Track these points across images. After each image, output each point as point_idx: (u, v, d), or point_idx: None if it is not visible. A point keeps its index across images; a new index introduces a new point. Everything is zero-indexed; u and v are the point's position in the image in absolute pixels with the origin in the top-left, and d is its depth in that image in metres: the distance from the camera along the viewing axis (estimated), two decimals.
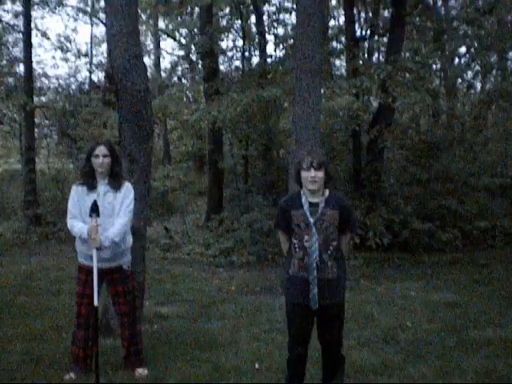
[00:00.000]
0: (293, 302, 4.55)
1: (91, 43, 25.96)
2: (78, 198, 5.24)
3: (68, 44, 25.71)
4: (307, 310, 4.48)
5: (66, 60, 26.31)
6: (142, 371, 5.44)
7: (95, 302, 5.17)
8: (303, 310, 4.51)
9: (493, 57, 19.59)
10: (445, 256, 12.28)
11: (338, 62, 20.40)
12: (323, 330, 4.60)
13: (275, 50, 17.43)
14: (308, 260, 4.41)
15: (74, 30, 40.59)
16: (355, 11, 16.10)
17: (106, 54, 22.04)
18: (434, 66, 18.92)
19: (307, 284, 4.41)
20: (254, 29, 17.70)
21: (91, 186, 5.23)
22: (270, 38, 18.39)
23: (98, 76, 27.23)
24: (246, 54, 17.60)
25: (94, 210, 5.05)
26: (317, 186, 4.44)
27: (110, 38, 6.35)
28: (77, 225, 5.16)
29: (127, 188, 5.31)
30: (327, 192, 4.55)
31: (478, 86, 21.40)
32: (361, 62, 14.85)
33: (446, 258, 12.07)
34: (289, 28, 17.34)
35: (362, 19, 19.19)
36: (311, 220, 4.42)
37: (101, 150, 5.22)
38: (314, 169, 4.41)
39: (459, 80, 18.88)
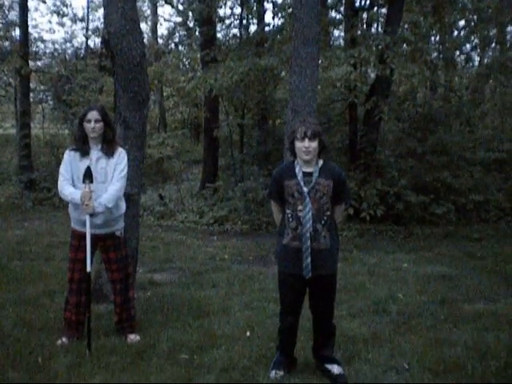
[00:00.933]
0: (285, 271, 4.57)
1: (88, 8, 25.63)
2: (70, 162, 5.22)
3: (64, 8, 25.52)
4: (300, 279, 4.49)
5: (63, 25, 26.13)
6: (133, 337, 5.47)
7: (88, 268, 5.18)
8: (296, 280, 4.52)
9: (492, 30, 19.46)
10: (438, 229, 12.31)
11: (336, 32, 20.23)
12: (315, 299, 4.62)
13: (273, 19, 17.28)
14: (301, 230, 4.41)
15: None
16: None
17: (102, 20, 21.84)
18: (433, 39, 18.81)
19: (300, 254, 4.41)
20: None
21: (84, 152, 5.20)
22: (268, 6, 18.18)
23: (95, 41, 27.01)
24: (244, 22, 17.45)
25: (88, 175, 5.04)
26: (310, 156, 4.42)
27: (106, 2, 6.28)
28: (68, 188, 5.13)
29: (120, 154, 5.29)
30: (321, 162, 4.53)
31: (477, 59, 21.31)
32: (359, 32, 14.70)
33: (439, 231, 12.10)
34: None
35: None
36: (305, 189, 4.41)
37: (93, 114, 5.19)
38: (307, 139, 4.38)
39: (457, 53, 18.76)
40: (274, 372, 4.63)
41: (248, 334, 5.61)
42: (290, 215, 4.47)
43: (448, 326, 5.94)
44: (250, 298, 7.06)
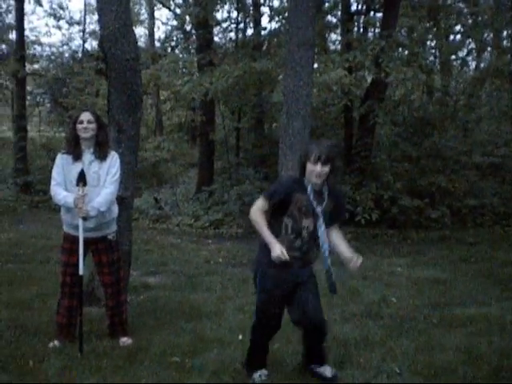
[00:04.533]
0: (275, 275, 4.53)
1: (85, 11, 25.62)
2: (62, 166, 5.21)
3: (61, 11, 25.52)
4: (288, 284, 4.50)
5: (59, 28, 26.12)
6: (126, 340, 5.47)
7: (80, 271, 5.18)
8: (286, 283, 4.52)
9: (488, 35, 19.50)
10: (433, 233, 12.33)
11: (333, 37, 20.28)
12: (305, 297, 4.59)
13: (270, 22, 17.33)
14: (299, 243, 4.41)
15: None
16: None
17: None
18: (429, 43, 18.84)
19: (291, 262, 4.41)
20: (249, 0, 17.56)
21: (76, 156, 5.19)
22: (265, 10, 18.24)
23: (92, 44, 27.00)
24: (241, 25, 17.48)
25: (81, 179, 5.04)
26: (321, 180, 4.35)
27: (100, 6, 6.29)
28: (61, 192, 5.13)
29: (113, 157, 5.29)
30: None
31: (473, 64, 21.35)
32: (354, 36, 14.76)
33: (433, 236, 12.13)
34: (285, 0, 17.19)
35: None
36: (319, 209, 4.38)
37: (86, 115, 5.19)
38: (321, 163, 4.28)
39: (453, 57, 18.79)
40: (257, 374, 4.62)
41: (240, 337, 5.60)
42: (289, 226, 4.40)
43: (440, 331, 5.95)
44: (243, 301, 7.05)
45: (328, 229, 4.50)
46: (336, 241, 4.65)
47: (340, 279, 7.97)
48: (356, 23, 16.79)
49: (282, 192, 4.41)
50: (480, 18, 16.80)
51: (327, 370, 4.64)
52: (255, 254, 4.75)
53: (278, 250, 4.19)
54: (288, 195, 4.38)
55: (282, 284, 4.51)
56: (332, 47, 19.43)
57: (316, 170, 4.28)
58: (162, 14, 62.44)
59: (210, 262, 9.62)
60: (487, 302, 7.16)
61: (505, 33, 19.90)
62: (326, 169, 4.31)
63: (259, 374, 4.61)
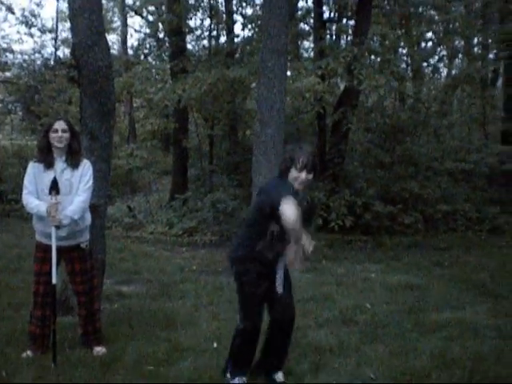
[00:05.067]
0: (259, 272, 4.53)
1: (57, 18, 25.43)
2: (34, 174, 5.17)
3: (33, 19, 25.28)
4: (269, 280, 4.54)
5: (31, 35, 25.79)
6: (99, 349, 5.43)
7: (53, 280, 5.14)
8: (267, 280, 4.55)
9: (459, 42, 19.75)
10: (406, 239, 12.39)
11: (306, 44, 20.38)
12: (282, 295, 4.61)
13: (243, 29, 17.36)
14: (280, 246, 4.43)
15: (39, 4, 39.51)
16: None
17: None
18: (401, 50, 18.99)
19: (274, 263, 4.47)
20: (222, 8, 17.57)
21: (48, 164, 5.16)
22: (238, 18, 18.25)
23: (64, 52, 26.80)
24: (214, 33, 17.49)
25: (54, 187, 5.00)
26: (303, 187, 4.39)
27: (73, 13, 6.26)
28: (33, 201, 5.10)
29: (85, 165, 5.26)
30: None
31: (444, 71, 21.58)
32: (327, 43, 14.83)
33: (407, 241, 12.19)
34: (258, 8, 17.23)
35: (330, 1, 19.12)
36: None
37: (60, 124, 5.16)
38: (306, 171, 4.31)
39: (425, 64, 18.97)
40: (236, 380, 4.62)
41: (215, 345, 5.60)
42: (276, 231, 4.38)
43: (414, 336, 5.99)
44: (217, 309, 7.05)
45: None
46: None
47: (314, 285, 8.06)
48: (328, 30, 16.89)
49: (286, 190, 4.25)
50: (451, 26, 16.98)
51: (280, 376, 4.69)
52: (233, 251, 4.69)
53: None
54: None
55: (264, 280, 4.54)
56: (305, 54, 19.54)
57: (301, 178, 4.31)
58: (134, 21, 62.11)
59: (185, 270, 9.58)
60: (461, 306, 7.23)
61: (475, 40, 20.19)
62: (310, 177, 4.34)
63: (237, 379, 4.60)
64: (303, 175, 4.30)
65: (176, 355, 5.32)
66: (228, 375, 4.67)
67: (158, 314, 6.74)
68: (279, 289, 4.54)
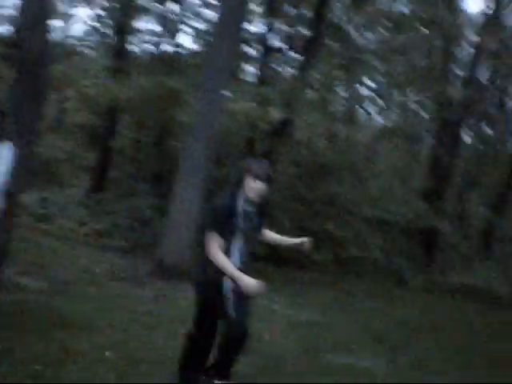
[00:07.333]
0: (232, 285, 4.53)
1: None
2: None
3: None
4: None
5: None
6: None
7: None
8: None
9: (399, 96, 20.17)
10: (316, 276, 12.49)
11: (248, 67, 20.44)
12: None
13: (194, 43, 17.35)
14: (246, 258, 4.59)
15: None
16: (275, 22, 16.11)
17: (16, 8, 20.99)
18: (340, 91, 19.27)
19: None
20: (171, 16, 17.46)
21: None
22: (187, 29, 18.15)
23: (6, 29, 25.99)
24: (160, 39, 17.37)
25: None
26: (258, 197, 4.44)
27: None
28: None
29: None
30: None
31: (379, 119, 21.97)
32: (271, 72, 14.94)
33: (316, 279, 12.30)
34: (204, 25, 17.16)
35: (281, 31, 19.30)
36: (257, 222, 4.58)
37: None
38: (262, 181, 4.39)
39: (360, 109, 19.32)
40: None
41: (107, 353, 5.43)
42: (237, 248, 4.49)
43: (307, 379, 5.91)
44: (116, 316, 6.87)
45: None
46: (275, 237, 5.05)
47: None
48: (273, 59, 17.00)
49: (228, 223, 4.42)
50: (392, 79, 17.38)
51: None
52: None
53: (252, 282, 4.43)
54: (232, 225, 4.41)
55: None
56: (247, 78, 19.57)
57: (258, 188, 4.39)
58: (84, 12, 61.13)
59: (89, 272, 9.34)
60: (356, 350, 7.26)
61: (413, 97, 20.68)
62: (265, 187, 4.42)
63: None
64: (259, 185, 4.38)
65: (66, 358, 5.12)
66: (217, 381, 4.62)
67: (54, 312, 6.50)
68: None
